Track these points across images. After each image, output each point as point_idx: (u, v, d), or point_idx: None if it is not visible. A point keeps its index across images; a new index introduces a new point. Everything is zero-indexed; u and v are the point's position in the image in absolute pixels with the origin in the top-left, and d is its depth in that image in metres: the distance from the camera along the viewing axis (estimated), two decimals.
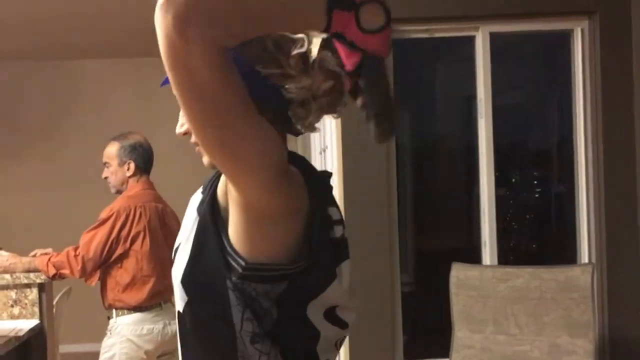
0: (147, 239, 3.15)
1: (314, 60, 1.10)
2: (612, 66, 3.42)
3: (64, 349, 3.95)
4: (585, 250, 3.54)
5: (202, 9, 0.87)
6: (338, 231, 1.16)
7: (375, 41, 0.99)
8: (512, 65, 4.23)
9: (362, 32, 0.98)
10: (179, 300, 1.15)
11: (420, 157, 4.81)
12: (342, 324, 1.15)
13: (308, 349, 1.13)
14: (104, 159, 3.30)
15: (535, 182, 4.73)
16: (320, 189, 1.13)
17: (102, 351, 3.19)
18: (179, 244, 1.18)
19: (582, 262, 3.52)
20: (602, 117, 3.44)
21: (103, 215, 3.18)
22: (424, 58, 4.55)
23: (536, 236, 4.73)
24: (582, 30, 3.51)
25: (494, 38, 3.53)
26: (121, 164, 3.26)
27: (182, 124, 1.18)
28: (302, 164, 1.12)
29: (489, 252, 3.53)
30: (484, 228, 3.55)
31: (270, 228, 1.05)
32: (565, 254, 3.87)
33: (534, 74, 4.39)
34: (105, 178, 3.31)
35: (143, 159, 3.28)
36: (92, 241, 3.11)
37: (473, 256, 3.68)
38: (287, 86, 1.10)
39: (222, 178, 1.11)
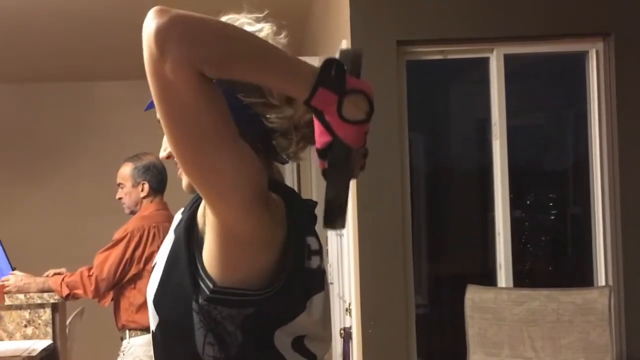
0: None
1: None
2: (628, 87, 3.41)
3: None
4: (602, 272, 3.50)
5: (184, 28, 0.89)
6: (315, 262, 1.15)
7: (351, 132, 0.98)
8: (527, 87, 4.22)
9: (340, 118, 0.97)
10: (152, 320, 1.15)
11: (435, 179, 4.79)
12: (310, 356, 1.14)
13: None
14: (118, 180, 3.31)
15: (551, 204, 4.70)
16: (302, 220, 1.12)
17: None
18: (155, 264, 1.19)
19: (599, 284, 3.48)
20: (618, 138, 3.41)
21: (117, 235, 3.19)
22: (438, 80, 4.55)
23: (552, 259, 4.69)
24: (597, 52, 3.50)
25: (509, 59, 3.52)
26: (135, 184, 3.27)
27: (165, 148, 1.19)
28: (286, 193, 1.12)
29: (504, 274, 3.50)
30: (499, 250, 3.52)
31: (243, 253, 1.04)
32: (582, 277, 3.82)
33: (549, 96, 4.38)
34: (120, 199, 3.33)
35: (157, 180, 3.29)
36: (105, 262, 3.11)
37: (488, 279, 3.64)
38: (267, 116, 1.11)
39: (203, 200, 1.11)
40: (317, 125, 1.00)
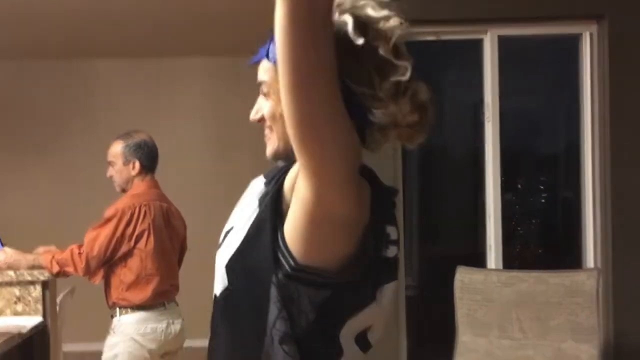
0: (152, 238, 3.15)
1: (408, 90, 1.08)
2: (621, 71, 3.41)
3: (67, 347, 3.95)
4: (590, 255, 3.52)
5: None
6: (392, 251, 1.13)
7: None
8: (520, 70, 4.22)
9: None
10: (219, 284, 1.14)
11: (427, 161, 4.80)
12: (368, 347, 1.14)
13: None
14: (109, 158, 3.30)
15: (542, 187, 4.71)
16: (384, 207, 1.11)
17: (105, 350, 3.18)
18: (231, 228, 1.17)
19: (588, 266, 3.50)
20: (610, 122, 3.42)
21: (108, 213, 3.18)
22: (431, 61, 4.54)
23: (542, 241, 4.71)
24: (591, 35, 3.49)
25: (502, 42, 3.52)
26: (126, 162, 3.25)
27: (257, 111, 1.18)
28: (372, 176, 1.11)
29: (494, 256, 3.52)
30: (490, 233, 3.54)
31: (329, 233, 1.04)
32: (571, 259, 3.85)
33: (542, 79, 4.37)
34: (110, 177, 3.31)
35: (148, 158, 3.27)
36: (96, 239, 3.10)
37: (478, 261, 3.66)
38: (373, 109, 1.08)
39: (291, 174, 1.09)
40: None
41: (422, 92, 1.09)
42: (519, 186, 4.64)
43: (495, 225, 3.52)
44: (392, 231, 1.13)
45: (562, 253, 4.43)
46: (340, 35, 1.04)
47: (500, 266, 3.50)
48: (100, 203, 3.43)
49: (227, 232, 1.17)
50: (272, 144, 1.15)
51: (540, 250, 4.74)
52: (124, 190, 3.28)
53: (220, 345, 1.16)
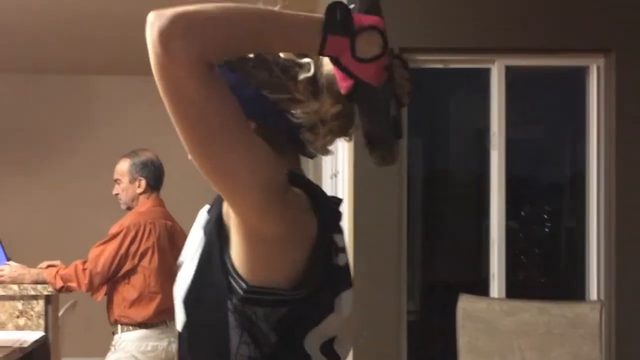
0: (156, 256, 3.16)
1: (322, 84, 1.10)
2: (627, 103, 3.43)
3: None
4: (594, 286, 3.51)
5: (186, 24, 0.89)
6: (342, 259, 1.14)
7: (369, 70, 0.97)
8: (527, 99, 4.24)
9: (356, 60, 0.96)
10: (179, 319, 1.14)
11: (432, 187, 4.80)
12: (336, 358, 1.13)
13: None
14: (115, 176, 3.32)
15: (546, 216, 4.71)
16: (328, 215, 1.11)
17: None
18: (182, 262, 1.17)
19: (591, 298, 3.49)
20: (616, 154, 3.43)
21: (113, 230, 3.19)
22: (439, 89, 4.57)
23: (545, 270, 4.70)
24: (598, 68, 3.52)
25: (509, 71, 3.54)
26: (132, 180, 3.28)
27: None
28: (310, 187, 1.10)
29: (497, 285, 3.51)
30: (493, 260, 3.54)
31: (267, 252, 1.04)
32: (574, 290, 3.84)
33: (549, 109, 4.39)
34: (116, 194, 3.33)
35: (154, 176, 3.30)
36: (100, 256, 3.12)
37: (481, 288, 3.65)
38: (293, 111, 1.09)
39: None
40: (336, 71, 1.00)
41: (332, 87, 1.09)
42: (523, 214, 4.64)
43: (499, 253, 3.52)
44: (339, 239, 1.13)
45: (565, 283, 4.42)
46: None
47: (503, 294, 3.50)
48: (105, 219, 3.45)
49: (179, 267, 1.17)
50: None
51: (542, 280, 4.73)
52: (129, 208, 3.30)
53: None
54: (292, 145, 1.14)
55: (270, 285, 1.04)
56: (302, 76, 1.09)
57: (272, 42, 0.98)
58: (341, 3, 0.96)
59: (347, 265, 1.15)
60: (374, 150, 1.05)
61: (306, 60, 1.10)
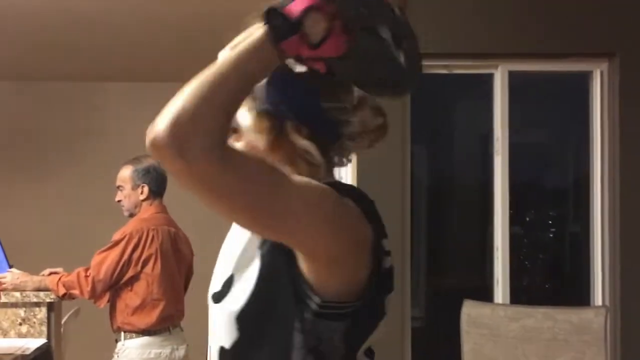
0: (159, 263, 3.15)
1: (358, 96, 1.11)
2: (631, 108, 3.42)
3: None
4: (599, 292, 3.50)
5: (183, 132, 0.90)
6: (388, 262, 1.13)
7: (328, 48, 0.98)
8: (530, 104, 4.23)
9: (315, 47, 0.97)
10: (226, 336, 1.10)
11: (436, 192, 4.79)
12: (373, 356, 1.15)
13: None
14: (118, 182, 3.31)
15: (550, 221, 4.70)
16: (377, 220, 1.11)
17: None
18: (231, 275, 1.13)
19: (596, 304, 3.47)
20: (620, 158, 3.42)
21: (116, 237, 3.19)
22: (442, 94, 4.56)
23: (549, 276, 4.68)
24: (602, 72, 3.51)
25: (513, 76, 3.53)
26: (135, 187, 3.27)
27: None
28: (353, 193, 1.11)
29: (501, 290, 3.50)
30: (497, 266, 3.52)
31: (341, 267, 1.04)
32: (579, 296, 3.82)
33: (552, 113, 4.38)
34: (119, 201, 3.33)
35: (156, 183, 3.29)
36: (103, 262, 3.11)
37: (485, 294, 3.64)
38: (345, 120, 1.11)
39: None
40: (307, 65, 1.02)
41: (373, 98, 1.12)
42: (527, 219, 4.63)
43: (503, 258, 3.51)
44: (385, 243, 1.14)
45: (570, 288, 4.40)
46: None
47: (508, 300, 3.48)
48: (108, 226, 3.44)
49: (228, 281, 1.13)
50: None
51: (547, 285, 4.71)
52: (132, 215, 3.30)
53: None
54: (333, 153, 1.15)
55: (341, 298, 1.04)
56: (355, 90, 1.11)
57: (247, 81, 0.98)
58: (271, 9, 0.96)
59: (392, 268, 1.15)
60: (381, 92, 1.07)
61: None
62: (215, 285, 1.16)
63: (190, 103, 0.91)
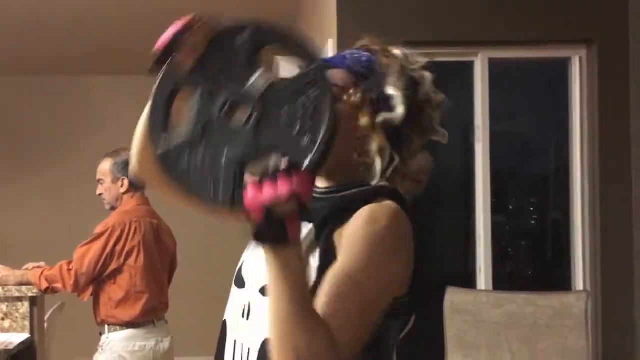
0: (142, 255, 3.14)
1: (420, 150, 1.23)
2: (609, 94, 3.45)
3: None
4: (580, 277, 3.53)
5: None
6: None
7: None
8: (510, 92, 4.25)
9: (297, 219, 0.94)
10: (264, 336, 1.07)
11: None
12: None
13: None
14: (98, 176, 3.30)
15: (532, 208, 4.73)
16: (411, 213, 1.17)
17: None
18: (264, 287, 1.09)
19: (577, 289, 3.51)
20: (599, 144, 3.45)
21: (98, 230, 3.17)
22: None
23: (532, 262, 4.72)
24: (580, 59, 3.53)
25: (493, 64, 3.55)
26: (115, 180, 3.25)
27: None
28: (399, 199, 1.16)
29: (484, 277, 3.52)
30: (480, 253, 3.55)
31: (402, 271, 1.11)
32: (560, 281, 3.86)
33: (532, 101, 4.41)
34: (100, 195, 3.31)
35: None
36: (85, 256, 3.09)
37: (468, 281, 3.66)
38: (404, 158, 1.20)
39: (338, 232, 1.09)
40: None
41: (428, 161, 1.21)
42: (510, 207, 4.65)
43: (485, 246, 3.53)
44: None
45: (552, 274, 4.44)
46: (414, 88, 1.21)
47: (490, 287, 3.51)
48: (91, 220, 3.43)
49: (261, 290, 1.10)
50: None
51: (529, 272, 4.74)
52: (113, 208, 3.28)
53: None
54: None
55: (400, 294, 1.08)
56: (428, 137, 1.26)
57: (297, 297, 0.95)
58: (254, 228, 0.92)
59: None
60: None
61: (442, 130, 1.27)
62: (262, 278, 1.09)
63: (289, 343, 0.94)
